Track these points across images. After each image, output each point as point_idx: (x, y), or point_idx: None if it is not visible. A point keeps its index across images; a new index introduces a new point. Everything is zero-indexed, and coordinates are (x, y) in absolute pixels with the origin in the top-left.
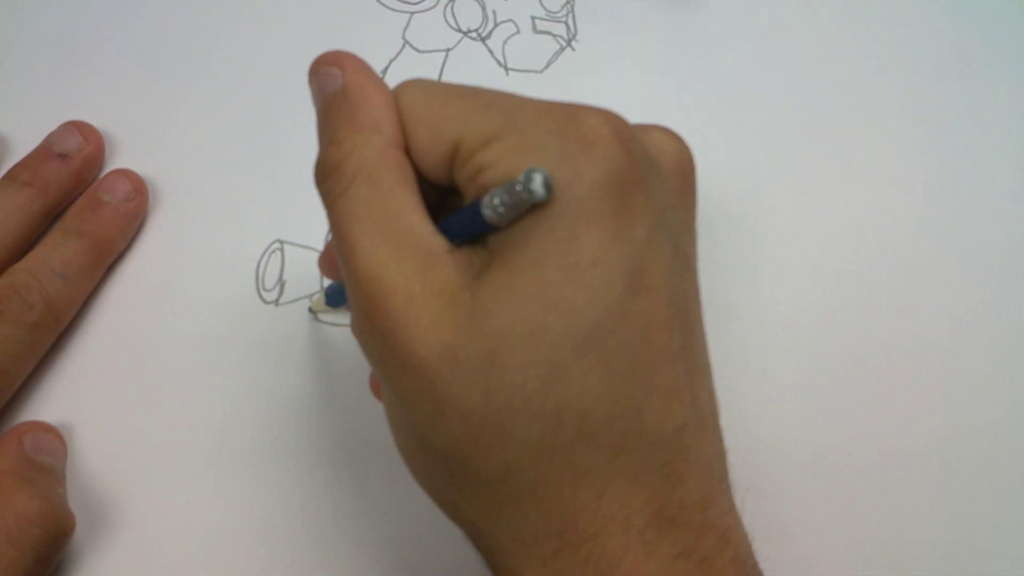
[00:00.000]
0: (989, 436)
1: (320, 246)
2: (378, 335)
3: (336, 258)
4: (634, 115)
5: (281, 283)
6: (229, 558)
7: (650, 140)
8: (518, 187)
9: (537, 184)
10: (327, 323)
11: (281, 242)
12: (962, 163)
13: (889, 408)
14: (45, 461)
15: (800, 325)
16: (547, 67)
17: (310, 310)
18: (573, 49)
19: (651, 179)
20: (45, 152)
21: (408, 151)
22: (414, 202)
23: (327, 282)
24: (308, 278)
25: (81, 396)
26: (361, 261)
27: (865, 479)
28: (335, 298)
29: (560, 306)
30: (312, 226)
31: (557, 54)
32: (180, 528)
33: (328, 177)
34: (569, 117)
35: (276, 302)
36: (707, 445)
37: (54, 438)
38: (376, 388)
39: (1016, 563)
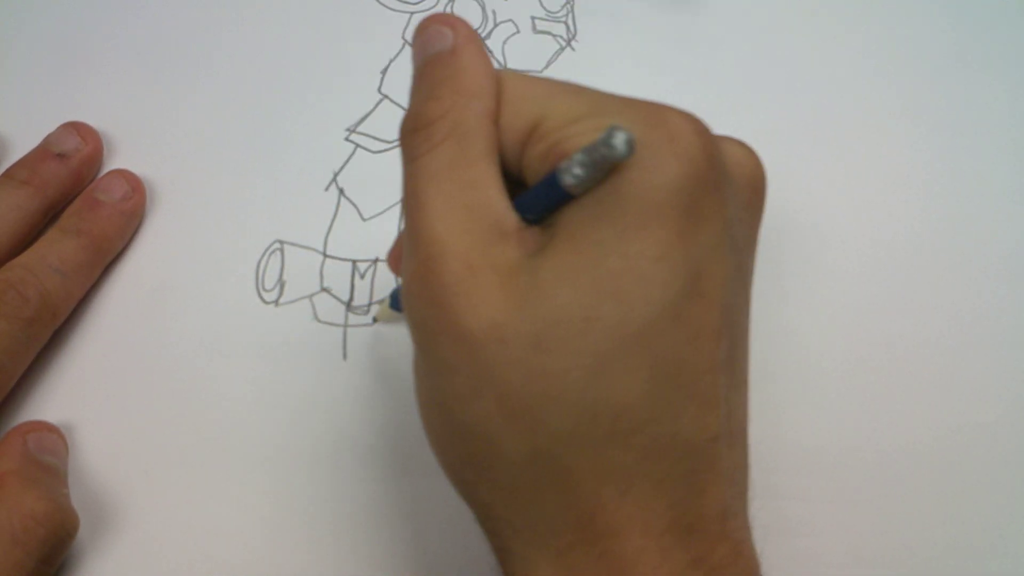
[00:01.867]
0: (989, 436)
1: (320, 246)
2: (427, 298)
3: (403, 215)
4: None
5: (281, 283)
6: (230, 557)
7: (728, 150)
8: (600, 144)
9: (620, 140)
10: (325, 323)
11: (281, 242)
12: (962, 163)
13: (889, 408)
14: (49, 461)
15: (799, 325)
16: (547, 67)
17: (374, 320)
18: (573, 49)
19: (725, 187)
20: (43, 152)
21: None
22: (495, 176)
23: (327, 283)
24: (308, 278)
25: (82, 396)
26: (429, 221)
27: (865, 479)
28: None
29: (617, 296)
30: (312, 226)
31: (557, 54)
32: (181, 528)
33: (418, 131)
34: (655, 110)
35: (276, 302)
36: (734, 458)
37: (57, 438)
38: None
39: (1016, 563)
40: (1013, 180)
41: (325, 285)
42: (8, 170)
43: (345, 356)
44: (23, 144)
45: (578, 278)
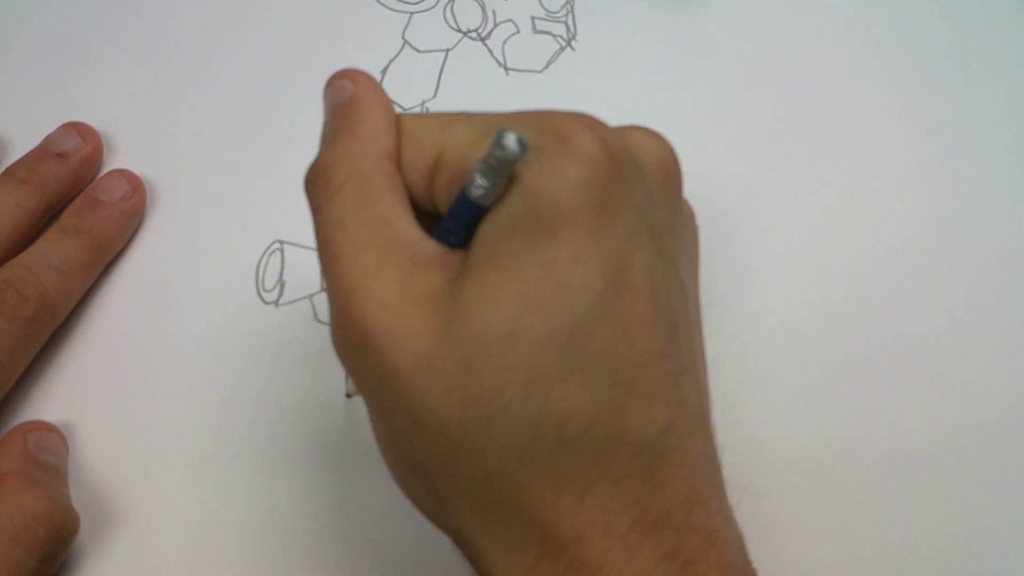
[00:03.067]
0: (989, 436)
1: None
2: (353, 345)
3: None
4: (634, 115)
5: (281, 283)
6: (230, 557)
7: (631, 140)
8: (493, 148)
9: (510, 140)
10: (325, 323)
11: (281, 242)
12: (962, 163)
13: (888, 408)
14: (49, 460)
15: (799, 325)
16: (547, 67)
17: (348, 395)
18: (573, 49)
19: (632, 177)
20: (43, 151)
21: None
22: (402, 210)
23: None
24: (308, 278)
25: (81, 396)
26: (341, 269)
27: (864, 479)
28: None
29: (539, 305)
30: (312, 226)
31: (557, 54)
32: (180, 527)
33: (317, 180)
34: (544, 117)
35: (276, 302)
36: (695, 446)
37: (57, 437)
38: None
39: (1016, 563)
40: (1013, 180)
41: (325, 285)
42: (8, 169)
43: None
44: (23, 144)
45: (498, 294)
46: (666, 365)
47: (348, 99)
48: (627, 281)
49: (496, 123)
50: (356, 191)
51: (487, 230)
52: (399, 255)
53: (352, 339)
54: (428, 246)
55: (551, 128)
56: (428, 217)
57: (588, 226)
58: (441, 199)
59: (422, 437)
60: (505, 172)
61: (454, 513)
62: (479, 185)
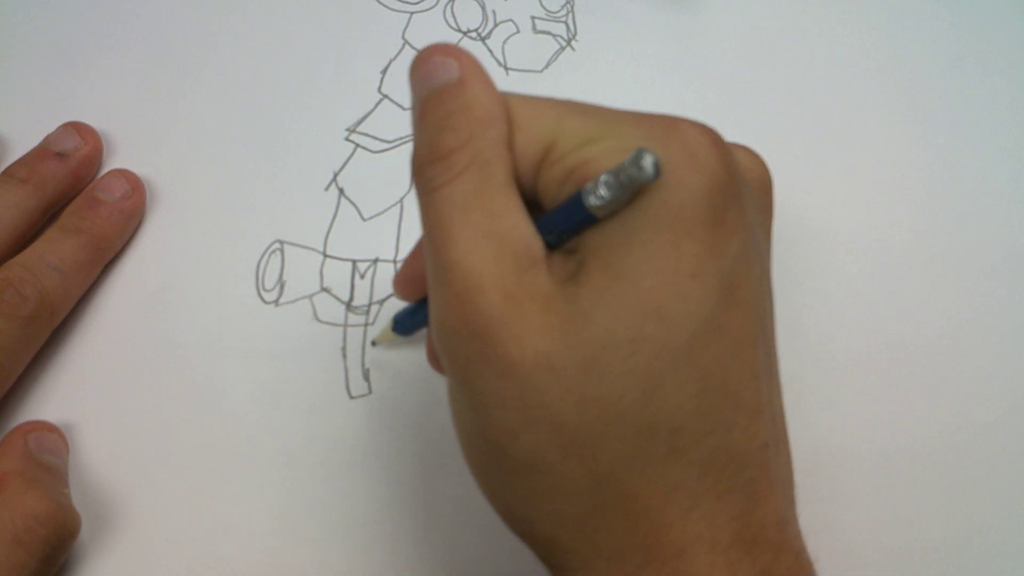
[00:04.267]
0: (989, 436)
1: (320, 246)
2: (468, 334)
3: (424, 251)
4: None
5: (281, 283)
6: (230, 557)
7: (738, 157)
8: (628, 166)
9: (648, 162)
10: (326, 323)
11: (281, 242)
12: (962, 163)
13: (888, 408)
14: (50, 461)
15: (799, 325)
16: (547, 67)
17: (373, 343)
18: (573, 49)
19: (744, 195)
20: (43, 151)
21: None
22: (518, 202)
23: (327, 283)
24: (308, 278)
25: (82, 396)
26: (459, 254)
27: (865, 478)
28: (406, 325)
29: (659, 315)
30: (312, 226)
31: (557, 54)
32: (181, 527)
33: (435, 163)
34: (670, 125)
35: (276, 302)
36: (782, 464)
37: (57, 438)
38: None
39: (1016, 563)
40: (1013, 180)
41: (325, 285)
42: (7, 169)
43: (345, 356)
44: (23, 144)
45: (618, 301)
46: (764, 383)
47: (457, 80)
48: (738, 298)
49: (615, 122)
50: (479, 177)
51: (604, 236)
52: (516, 248)
53: (471, 328)
54: (539, 244)
55: (678, 139)
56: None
57: (707, 241)
58: (547, 191)
59: (533, 435)
60: (632, 191)
61: (552, 518)
62: (600, 197)
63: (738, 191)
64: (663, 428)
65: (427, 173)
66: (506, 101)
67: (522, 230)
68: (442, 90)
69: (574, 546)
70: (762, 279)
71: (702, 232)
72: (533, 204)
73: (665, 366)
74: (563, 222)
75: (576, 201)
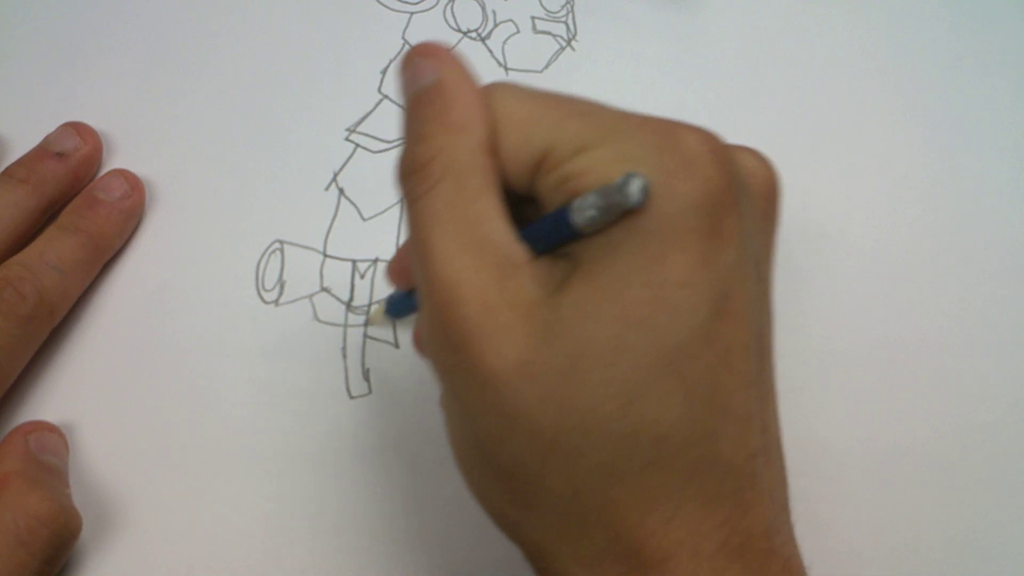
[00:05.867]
0: (989, 436)
1: (320, 246)
2: (450, 344)
3: (411, 261)
4: None
5: (281, 283)
6: (230, 556)
7: (742, 162)
8: (614, 190)
9: (635, 188)
10: (326, 323)
11: (281, 242)
12: (963, 163)
13: (889, 407)
14: (51, 461)
15: (800, 325)
16: (547, 67)
17: (366, 322)
18: (573, 49)
19: (743, 202)
20: (42, 151)
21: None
22: (498, 208)
23: (327, 283)
24: (308, 278)
25: (81, 396)
26: (438, 265)
27: (864, 478)
28: (398, 308)
29: (644, 325)
30: (312, 226)
31: (557, 54)
32: (182, 527)
33: (413, 174)
34: (668, 132)
35: (276, 302)
36: (773, 472)
37: (58, 438)
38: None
39: (1016, 563)
40: (1013, 180)
41: (325, 285)
42: (7, 169)
43: (345, 356)
44: (23, 144)
45: (601, 310)
46: (756, 391)
47: (434, 83)
48: (731, 307)
49: (614, 128)
50: (454, 186)
51: (591, 246)
52: (495, 256)
53: (453, 338)
54: (520, 250)
55: (674, 146)
56: (522, 200)
57: (698, 251)
58: (544, 195)
59: (514, 442)
60: (618, 214)
61: (535, 524)
62: (587, 216)
63: (736, 199)
64: (645, 437)
65: (406, 185)
66: (499, 100)
67: (502, 237)
68: (420, 95)
69: (558, 552)
70: (759, 287)
71: (695, 241)
72: (528, 197)
73: (648, 375)
74: (550, 234)
75: (563, 215)
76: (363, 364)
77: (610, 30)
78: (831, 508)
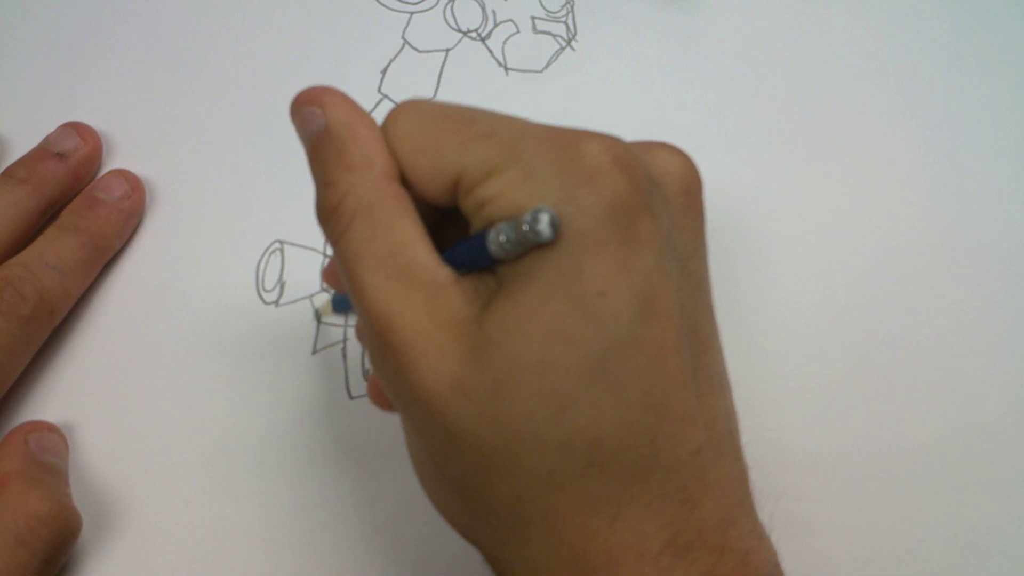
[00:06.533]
0: (989, 436)
1: (320, 246)
2: (390, 369)
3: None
4: (634, 115)
5: (281, 283)
6: (230, 556)
7: (653, 159)
8: (524, 227)
9: (544, 225)
10: (327, 323)
11: (281, 242)
12: (963, 163)
13: (888, 408)
14: (51, 461)
15: (801, 325)
16: (547, 67)
17: (316, 314)
18: (573, 49)
19: (656, 203)
20: (42, 151)
21: (406, 180)
22: (416, 233)
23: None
24: (308, 278)
25: (81, 396)
26: (369, 298)
27: (864, 478)
28: (342, 306)
29: (568, 337)
30: (312, 226)
31: (557, 54)
32: (181, 528)
33: (329, 218)
34: (569, 145)
35: (276, 302)
36: (725, 467)
37: (58, 438)
38: (376, 395)
39: (1016, 563)
40: (1013, 180)
41: (325, 285)
42: (7, 169)
43: (345, 356)
44: (23, 144)
45: (520, 327)
46: (696, 387)
47: (324, 128)
48: (656, 309)
49: (516, 148)
50: (368, 222)
51: (511, 265)
52: (421, 280)
53: (391, 364)
54: (444, 271)
55: (575, 161)
56: (442, 211)
57: (615, 259)
58: (469, 214)
59: (458, 457)
60: (529, 246)
61: (486, 531)
62: (501, 244)
63: (646, 203)
64: (579, 443)
65: (325, 228)
66: (396, 130)
67: (425, 260)
68: (316, 141)
69: (508, 558)
70: (688, 283)
71: (610, 251)
72: (456, 211)
73: (577, 384)
74: (471, 258)
75: (481, 243)
76: (363, 364)
77: (610, 30)
78: (831, 508)
